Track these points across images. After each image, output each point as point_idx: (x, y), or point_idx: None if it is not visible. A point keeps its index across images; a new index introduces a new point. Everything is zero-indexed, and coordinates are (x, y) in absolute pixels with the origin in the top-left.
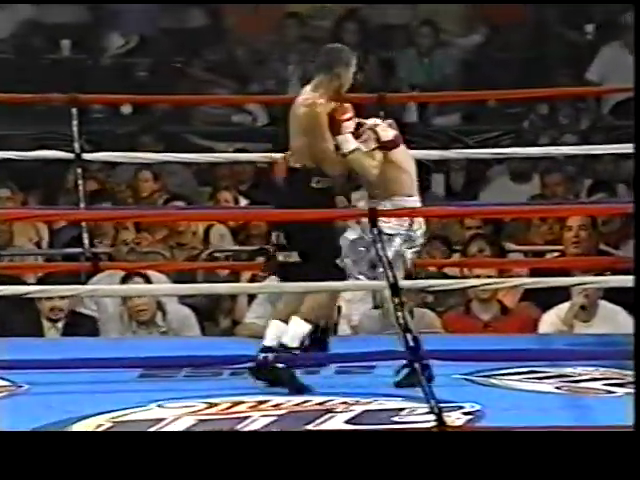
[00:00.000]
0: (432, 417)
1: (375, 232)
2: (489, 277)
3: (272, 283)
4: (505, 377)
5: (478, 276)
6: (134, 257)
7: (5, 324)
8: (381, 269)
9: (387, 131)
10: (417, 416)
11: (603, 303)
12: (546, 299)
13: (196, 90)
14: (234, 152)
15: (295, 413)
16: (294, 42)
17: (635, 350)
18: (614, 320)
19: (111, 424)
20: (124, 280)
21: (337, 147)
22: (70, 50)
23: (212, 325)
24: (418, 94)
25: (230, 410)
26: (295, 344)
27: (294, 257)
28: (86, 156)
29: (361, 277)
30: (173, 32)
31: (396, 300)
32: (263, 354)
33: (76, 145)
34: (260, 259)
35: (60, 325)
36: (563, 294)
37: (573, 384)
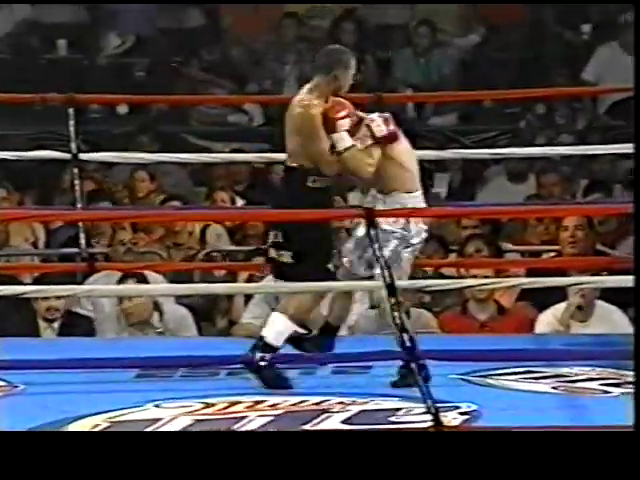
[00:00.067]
0: (429, 417)
1: (372, 232)
2: (486, 277)
3: (269, 283)
4: (502, 377)
5: (475, 276)
6: (131, 257)
7: (1, 324)
8: (378, 269)
9: (381, 126)
10: (414, 416)
11: (600, 303)
12: (543, 299)
13: (193, 90)
14: (230, 152)
15: (292, 413)
16: (291, 42)
17: (635, 350)
18: (611, 320)
19: (108, 424)
20: (121, 281)
21: (333, 145)
22: (67, 50)
23: (209, 325)
24: (415, 94)
25: (227, 410)
26: (278, 343)
27: (286, 257)
28: (83, 156)
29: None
30: (170, 32)
31: (392, 300)
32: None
33: (73, 145)
34: (257, 259)
35: (56, 325)
36: (559, 294)
37: (570, 384)
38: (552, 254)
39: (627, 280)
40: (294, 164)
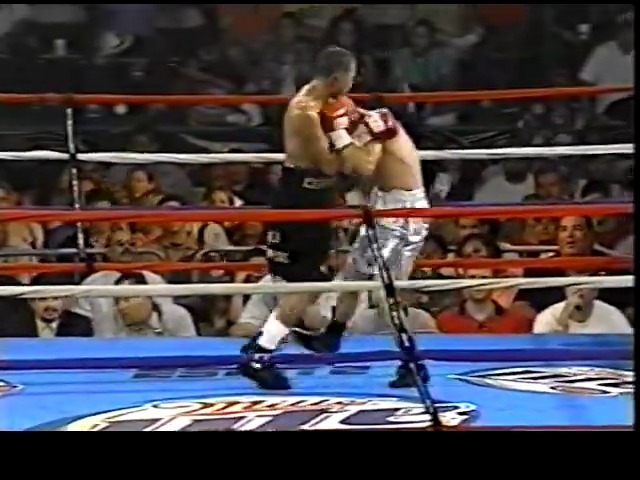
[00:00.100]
0: (427, 417)
1: (371, 232)
2: (484, 277)
3: (267, 284)
4: (500, 377)
5: (473, 276)
6: (129, 258)
7: None
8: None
9: (378, 122)
10: (412, 416)
11: (598, 303)
12: (541, 299)
13: (191, 90)
14: (229, 152)
15: (290, 413)
16: (290, 42)
17: (635, 350)
18: (609, 320)
19: (106, 424)
20: (119, 282)
21: (332, 144)
22: (65, 50)
23: (207, 325)
24: (414, 94)
25: (225, 410)
26: (272, 346)
27: (282, 257)
28: (81, 156)
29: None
30: (168, 32)
31: (391, 300)
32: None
33: (71, 145)
34: (255, 259)
35: (54, 325)
36: (558, 294)
37: (568, 384)
38: (550, 254)
39: (625, 280)
40: (291, 165)
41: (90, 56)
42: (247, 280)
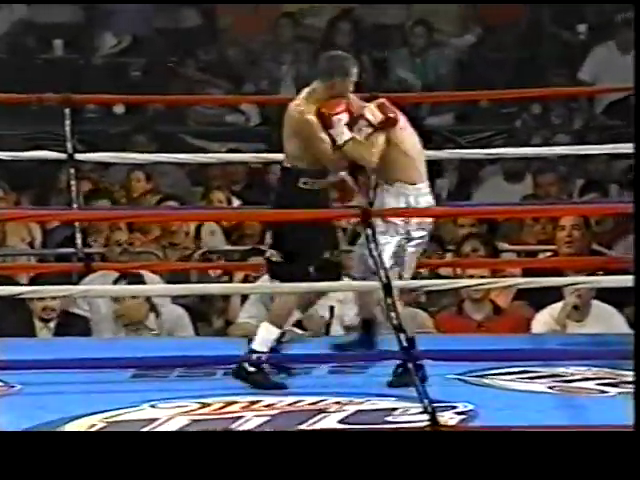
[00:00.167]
0: (425, 417)
1: (369, 232)
2: (482, 277)
3: (265, 283)
4: (498, 377)
5: (471, 276)
6: (127, 257)
7: None
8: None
9: (376, 112)
10: (410, 416)
11: (596, 303)
12: (539, 299)
13: (189, 90)
14: (227, 152)
15: (288, 413)
16: (288, 42)
17: (635, 350)
18: (607, 320)
19: (104, 424)
20: (118, 282)
21: (334, 141)
22: (63, 50)
23: (205, 325)
24: (412, 94)
25: (223, 410)
26: (264, 349)
27: (276, 256)
28: (79, 156)
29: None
30: (166, 32)
31: (389, 300)
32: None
33: (69, 145)
34: (253, 259)
35: (52, 325)
36: (556, 294)
37: (566, 384)
38: (548, 254)
39: (624, 280)
40: (289, 164)
41: (88, 56)
42: (245, 280)
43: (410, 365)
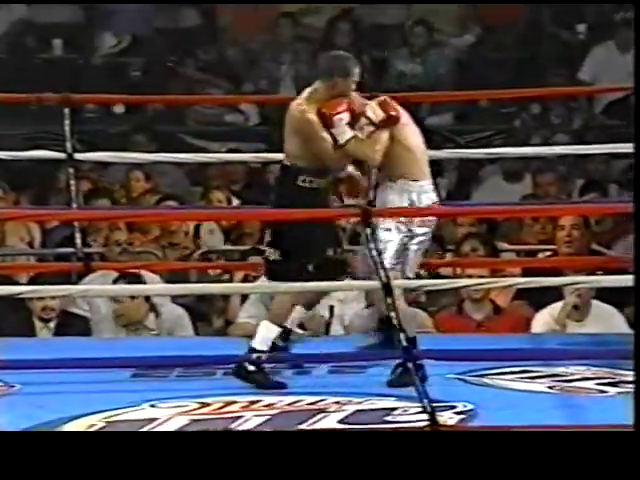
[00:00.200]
0: (425, 416)
1: (369, 232)
2: (482, 277)
3: (264, 283)
4: (498, 377)
5: (471, 276)
6: (126, 257)
7: None
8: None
9: (377, 110)
10: (410, 415)
11: (596, 303)
12: (539, 299)
13: (189, 90)
14: (226, 152)
15: (287, 413)
16: (287, 42)
17: (635, 350)
18: (607, 320)
19: (103, 424)
20: (117, 281)
21: (335, 140)
22: (63, 49)
23: (205, 325)
24: (411, 94)
25: (223, 410)
26: (264, 347)
27: (274, 255)
28: (78, 156)
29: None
30: (166, 32)
31: (389, 300)
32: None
33: (68, 145)
34: (252, 259)
35: (52, 325)
36: (555, 294)
37: (565, 383)
38: (548, 254)
39: (623, 280)
40: (288, 163)
41: (88, 56)
42: (245, 280)
43: (410, 365)
